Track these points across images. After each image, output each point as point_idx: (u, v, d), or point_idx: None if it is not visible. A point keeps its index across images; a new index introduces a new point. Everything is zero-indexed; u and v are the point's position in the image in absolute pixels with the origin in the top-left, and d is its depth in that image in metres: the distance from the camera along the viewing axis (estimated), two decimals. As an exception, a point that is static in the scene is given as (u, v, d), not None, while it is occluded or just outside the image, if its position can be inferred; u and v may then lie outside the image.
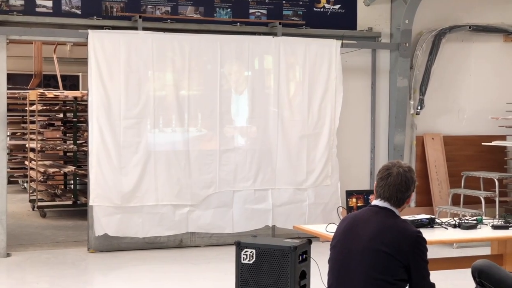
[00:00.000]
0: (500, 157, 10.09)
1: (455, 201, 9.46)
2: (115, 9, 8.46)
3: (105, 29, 8.34)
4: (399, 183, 3.73)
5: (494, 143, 9.63)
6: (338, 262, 3.82)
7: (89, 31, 8.17)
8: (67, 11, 8.31)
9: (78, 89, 16.36)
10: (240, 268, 5.07)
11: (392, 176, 3.73)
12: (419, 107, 9.74)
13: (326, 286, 3.93)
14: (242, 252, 5.07)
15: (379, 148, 9.69)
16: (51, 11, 8.25)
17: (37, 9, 8.22)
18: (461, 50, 10.08)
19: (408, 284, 3.72)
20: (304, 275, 5.12)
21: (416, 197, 9.75)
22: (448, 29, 9.79)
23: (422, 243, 3.70)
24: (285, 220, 8.83)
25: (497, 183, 9.09)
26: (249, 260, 5.04)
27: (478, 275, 4.87)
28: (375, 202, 3.82)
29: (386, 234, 3.66)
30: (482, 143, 9.77)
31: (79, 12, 8.34)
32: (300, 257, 5.08)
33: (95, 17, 8.36)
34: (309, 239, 5.30)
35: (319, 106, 8.96)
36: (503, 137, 9.98)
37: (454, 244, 8.41)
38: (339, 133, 9.06)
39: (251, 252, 5.04)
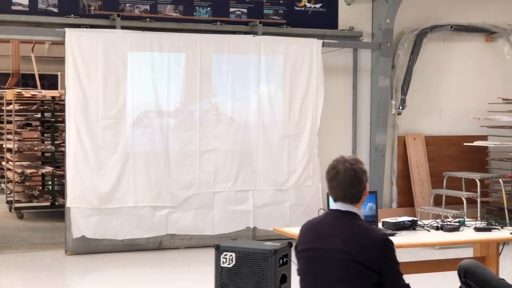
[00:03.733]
0: (482, 157, 10.06)
1: (437, 201, 9.42)
2: (92, 7, 8.32)
3: (83, 27, 8.20)
4: (349, 178, 3.63)
5: (475, 143, 9.61)
6: (308, 274, 3.70)
7: (66, 29, 8.02)
8: (44, 9, 8.15)
9: (57, 89, 16.15)
10: (220, 272, 4.96)
11: (341, 174, 3.64)
12: (400, 107, 9.70)
13: None
14: (222, 256, 4.96)
15: (361, 149, 9.63)
16: (27, 9, 8.09)
17: (13, 7, 8.06)
18: (443, 50, 10.05)
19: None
20: (285, 278, 5.03)
21: (398, 197, 9.72)
22: (430, 29, 9.75)
23: (389, 246, 3.60)
24: (266, 222, 8.73)
25: (478, 184, 9.05)
26: (228, 264, 4.94)
27: (464, 274, 4.84)
28: (336, 206, 3.72)
29: (353, 242, 3.56)
30: (464, 143, 9.75)
31: (56, 10, 8.19)
32: (281, 260, 4.99)
33: (72, 15, 8.22)
34: (290, 242, 5.21)
35: (300, 106, 8.88)
36: (484, 137, 9.96)
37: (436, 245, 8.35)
38: (320, 133, 8.99)
39: (230, 256, 4.94)
